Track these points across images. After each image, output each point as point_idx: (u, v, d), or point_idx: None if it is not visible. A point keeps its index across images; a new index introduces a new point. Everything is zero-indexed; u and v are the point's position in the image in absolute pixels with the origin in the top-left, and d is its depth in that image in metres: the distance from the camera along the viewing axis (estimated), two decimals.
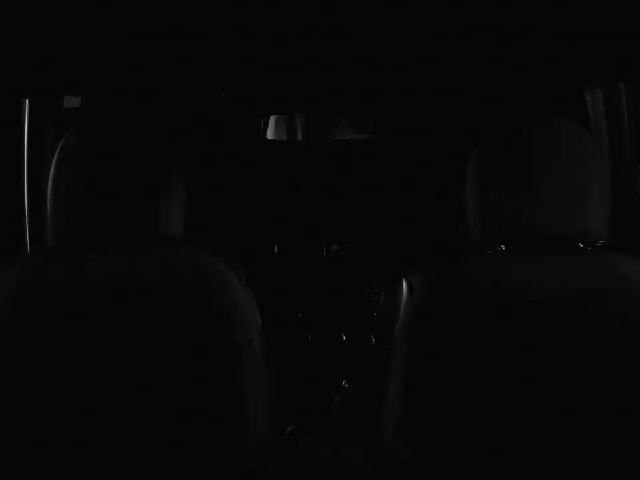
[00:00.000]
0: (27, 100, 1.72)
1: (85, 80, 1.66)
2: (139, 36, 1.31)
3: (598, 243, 1.23)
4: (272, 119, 2.34)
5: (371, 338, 2.14)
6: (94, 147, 1.06)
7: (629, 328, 0.99)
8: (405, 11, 1.18)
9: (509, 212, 1.05)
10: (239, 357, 1.03)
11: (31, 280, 1.04)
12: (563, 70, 1.63)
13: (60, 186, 1.07)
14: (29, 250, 1.78)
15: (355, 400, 2.10)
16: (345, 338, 2.14)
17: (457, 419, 1.01)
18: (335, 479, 0.97)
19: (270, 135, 2.33)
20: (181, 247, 1.10)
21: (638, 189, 1.73)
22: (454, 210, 2.16)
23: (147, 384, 1.01)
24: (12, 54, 1.37)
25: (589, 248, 1.18)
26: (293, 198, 2.30)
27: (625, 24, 1.24)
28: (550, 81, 1.76)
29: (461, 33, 1.31)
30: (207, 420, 1.02)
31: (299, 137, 2.35)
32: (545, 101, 1.90)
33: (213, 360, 1.01)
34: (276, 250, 2.28)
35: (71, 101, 1.91)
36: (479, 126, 2.17)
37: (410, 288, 2.10)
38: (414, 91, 1.93)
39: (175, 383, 1.01)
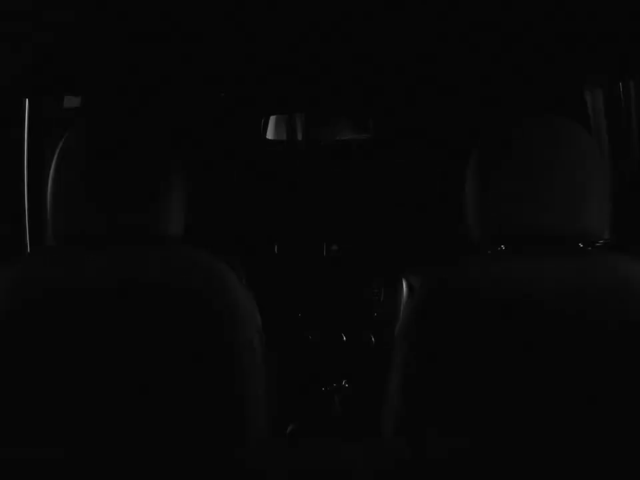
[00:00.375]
0: (27, 100, 1.72)
1: (85, 80, 1.66)
2: (139, 36, 1.31)
3: (598, 242, 1.23)
4: (272, 118, 2.34)
5: (371, 338, 2.14)
6: (94, 147, 1.06)
7: (629, 328, 0.99)
8: (405, 10, 1.18)
9: (509, 212, 1.05)
10: (238, 357, 1.03)
11: (31, 280, 1.04)
12: (562, 70, 1.63)
13: (60, 186, 1.07)
14: (29, 250, 1.78)
15: (354, 400, 2.10)
16: (345, 338, 2.14)
17: (456, 418, 1.01)
18: (334, 479, 0.97)
19: (270, 135, 2.33)
20: (181, 246, 1.09)
21: (638, 188, 1.73)
22: (454, 210, 2.16)
23: (147, 384, 1.01)
24: (12, 54, 1.37)
25: (589, 248, 1.18)
26: (293, 198, 2.30)
27: (625, 24, 1.24)
28: (550, 81, 1.76)
29: (461, 32, 1.31)
30: (207, 420, 1.02)
31: (299, 137, 2.35)
32: (545, 100, 1.90)
33: (213, 360, 1.01)
34: (276, 250, 2.28)
35: (71, 101, 1.91)
36: (479, 126, 2.17)
37: (410, 288, 2.10)
38: (414, 90, 1.93)
39: (175, 383, 1.01)
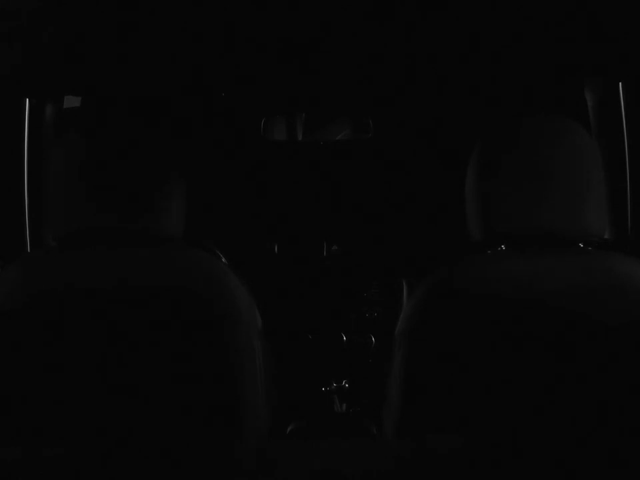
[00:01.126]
0: (27, 100, 1.72)
1: (85, 80, 1.66)
2: (140, 36, 1.31)
3: (598, 242, 1.23)
4: (272, 119, 2.34)
5: (371, 338, 2.14)
6: (94, 147, 1.06)
7: (629, 328, 0.99)
8: (405, 11, 1.18)
9: (509, 212, 1.05)
10: (238, 357, 1.03)
11: (31, 280, 1.04)
12: (562, 70, 1.63)
13: (60, 186, 1.07)
14: (29, 250, 1.78)
15: (355, 400, 2.10)
16: (345, 338, 2.14)
17: (457, 418, 1.01)
18: (334, 479, 0.97)
19: (270, 135, 2.32)
20: (180, 247, 1.09)
21: (638, 188, 1.73)
22: (454, 210, 2.16)
23: (147, 384, 1.01)
24: (12, 54, 1.37)
25: (589, 248, 1.18)
26: (293, 198, 2.30)
27: (624, 24, 1.24)
28: (550, 81, 1.76)
29: (461, 33, 1.31)
30: (207, 420, 1.02)
31: (299, 137, 2.34)
32: (545, 101, 1.90)
33: (213, 360, 1.01)
34: (276, 250, 2.28)
35: (71, 101, 1.91)
36: (479, 126, 2.16)
37: (410, 288, 2.10)
38: (414, 89, 1.93)
39: (175, 384, 1.01)
